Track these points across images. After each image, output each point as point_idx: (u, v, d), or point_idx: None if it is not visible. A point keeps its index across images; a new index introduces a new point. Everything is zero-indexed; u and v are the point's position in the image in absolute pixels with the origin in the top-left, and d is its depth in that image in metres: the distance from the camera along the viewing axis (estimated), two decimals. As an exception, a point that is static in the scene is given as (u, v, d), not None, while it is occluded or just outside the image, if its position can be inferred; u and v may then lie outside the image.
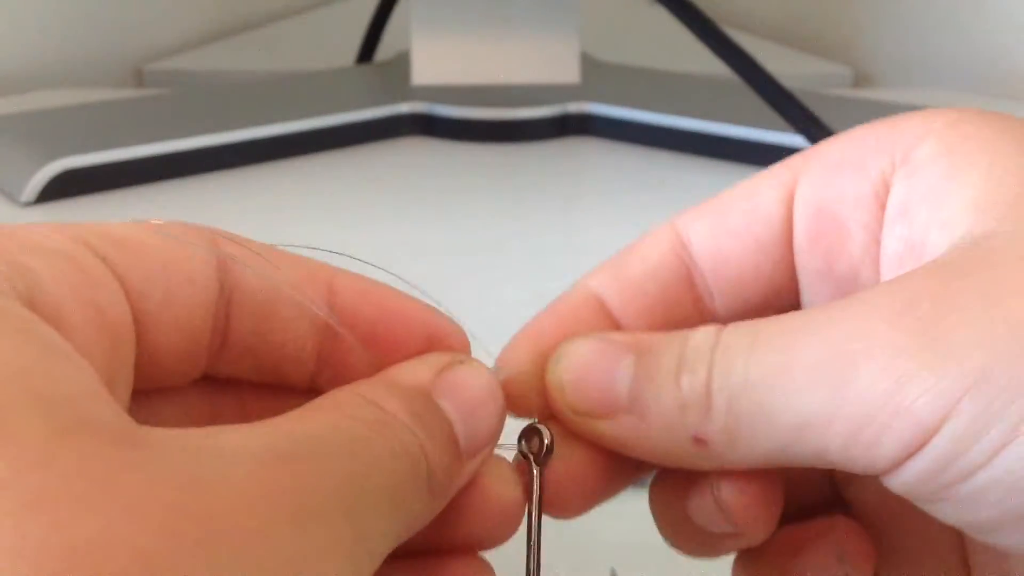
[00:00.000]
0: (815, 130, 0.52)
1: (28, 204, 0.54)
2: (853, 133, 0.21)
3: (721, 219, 0.21)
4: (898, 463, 0.17)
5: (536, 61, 0.67)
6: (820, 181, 0.21)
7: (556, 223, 0.53)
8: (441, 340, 0.20)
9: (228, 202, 0.55)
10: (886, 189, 0.20)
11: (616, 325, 0.22)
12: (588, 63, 0.70)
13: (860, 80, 0.89)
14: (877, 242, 0.20)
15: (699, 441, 0.19)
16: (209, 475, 0.14)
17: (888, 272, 0.20)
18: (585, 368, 0.20)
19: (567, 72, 0.67)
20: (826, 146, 0.21)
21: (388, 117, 0.65)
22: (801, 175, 0.21)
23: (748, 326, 0.19)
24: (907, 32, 0.88)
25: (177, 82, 0.82)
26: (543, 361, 0.20)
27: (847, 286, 0.21)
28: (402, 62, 0.69)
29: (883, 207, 0.20)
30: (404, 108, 0.65)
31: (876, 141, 0.20)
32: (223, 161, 0.59)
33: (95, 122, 0.61)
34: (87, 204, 0.54)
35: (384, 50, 0.74)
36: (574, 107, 0.65)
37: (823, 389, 0.17)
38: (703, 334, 0.19)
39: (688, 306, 0.22)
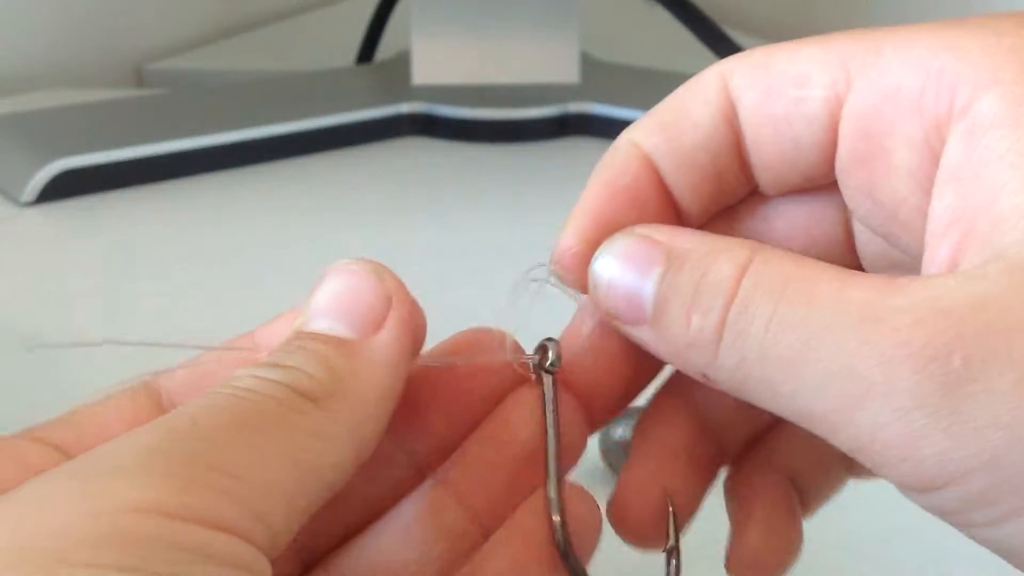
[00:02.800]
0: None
1: (28, 204, 0.54)
2: (915, 45, 0.19)
3: (767, 100, 0.20)
4: (898, 485, 0.17)
5: (536, 61, 0.67)
6: (872, 103, 0.19)
7: (556, 223, 0.53)
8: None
9: (228, 202, 0.55)
10: (940, 139, 0.18)
11: (668, 194, 0.21)
12: (588, 63, 0.70)
13: (860, 80, 0.89)
14: (923, 190, 0.19)
15: (705, 377, 0.19)
16: None
17: (933, 235, 0.18)
18: (618, 272, 0.20)
19: (567, 72, 0.67)
20: (885, 54, 0.19)
21: (388, 117, 0.65)
22: (854, 84, 0.19)
23: (777, 275, 0.18)
24: (907, 32, 0.88)
25: (177, 82, 0.82)
26: (597, 238, 0.20)
27: (886, 214, 0.20)
28: (402, 62, 0.69)
29: (935, 157, 0.18)
30: (404, 108, 0.65)
31: (938, 73, 0.18)
32: (223, 161, 0.59)
33: (95, 122, 0.61)
34: (87, 204, 0.54)
35: (384, 50, 0.74)
36: (574, 107, 0.65)
37: (834, 400, 0.17)
38: (725, 265, 0.18)
39: (738, 175, 0.21)
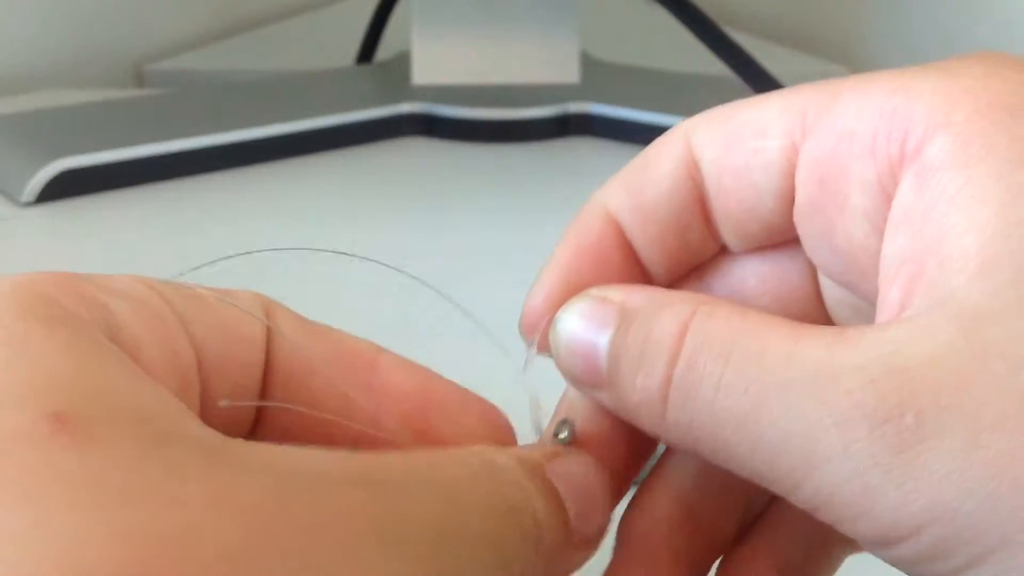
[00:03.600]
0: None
1: (28, 204, 0.54)
2: (872, 90, 0.19)
3: (727, 152, 0.20)
4: (859, 540, 0.17)
5: (536, 61, 0.67)
6: (827, 148, 0.19)
7: (556, 223, 0.53)
8: (486, 425, 0.21)
9: (228, 202, 0.55)
10: (893, 182, 0.18)
11: (633, 253, 0.21)
12: (588, 63, 0.70)
13: (860, 80, 0.89)
14: (878, 234, 0.19)
15: (659, 438, 0.19)
16: (297, 484, 0.14)
17: (884, 277, 0.18)
18: (574, 334, 0.20)
19: (567, 72, 0.67)
20: (843, 99, 0.19)
21: (388, 117, 0.65)
22: (809, 132, 0.19)
23: (722, 332, 0.17)
24: (906, 32, 0.88)
25: (177, 82, 0.82)
26: (561, 299, 0.20)
27: (844, 260, 0.20)
28: (402, 62, 0.69)
29: (888, 198, 0.18)
30: (404, 108, 0.65)
31: (891, 115, 0.18)
32: (223, 161, 0.59)
33: (95, 122, 0.61)
34: (87, 204, 0.54)
35: (384, 50, 0.74)
36: (574, 107, 0.65)
37: (791, 460, 0.17)
38: (668, 322, 0.18)
39: (703, 232, 0.21)
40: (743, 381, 0.17)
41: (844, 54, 0.92)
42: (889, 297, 0.18)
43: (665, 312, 0.18)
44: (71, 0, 0.80)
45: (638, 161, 0.22)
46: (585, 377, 0.19)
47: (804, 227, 0.20)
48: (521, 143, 0.64)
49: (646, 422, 0.19)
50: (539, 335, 0.21)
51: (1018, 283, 0.16)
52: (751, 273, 0.22)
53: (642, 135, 0.63)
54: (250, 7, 0.98)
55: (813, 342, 0.17)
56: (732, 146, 0.20)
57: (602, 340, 0.19)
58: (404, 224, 0.53)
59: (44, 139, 0.57)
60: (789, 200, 0.20)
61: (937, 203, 0.17)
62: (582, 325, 0.19)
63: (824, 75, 0.85)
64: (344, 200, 0.56)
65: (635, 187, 0.21)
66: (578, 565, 0.19)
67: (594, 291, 0.20)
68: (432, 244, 0.50)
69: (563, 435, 0.20)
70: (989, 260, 0.16)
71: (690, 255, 0.22)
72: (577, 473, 0.19)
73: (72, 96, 0.68)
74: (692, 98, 0.66)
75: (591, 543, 0.19)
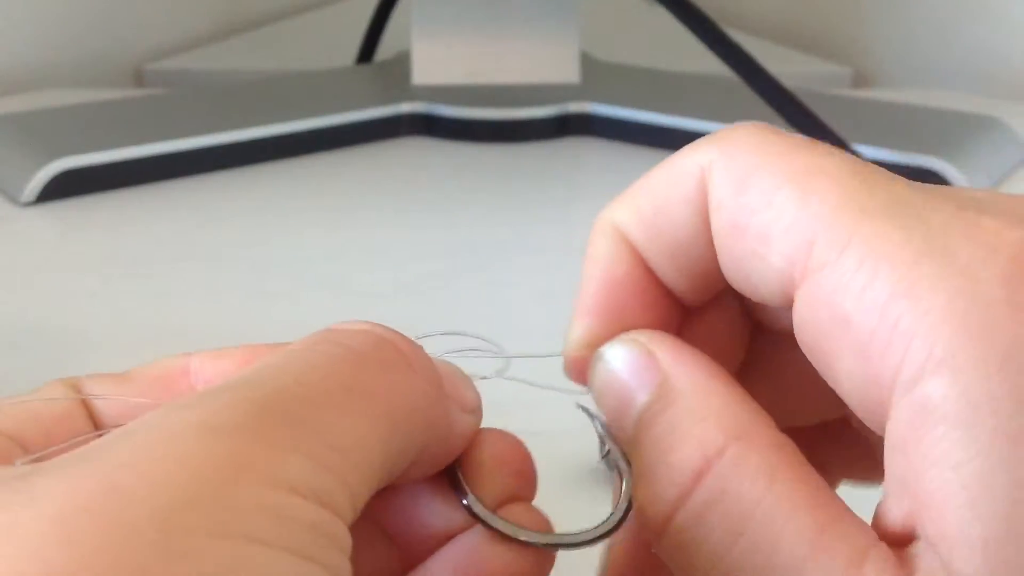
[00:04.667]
0: (814, 130, 0.52)
1: (28, 204, 0.54)
2: (881, 269, 0.16)
3: (732, 233, 0.19)
4: None
5: (536, 61, 0.67)
6: (819, 318, 0.18)
7: (556, 223, 0.53)
8: None
9: (228, 202, 0.55)
10: (880, 393, 0.17)
11: (661, 284, 0.21)
12: (588, 63, 0.70)
13: (860, 80, 0.89)
14: (865, 404, 0.17)
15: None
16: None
17: (890, 484, 0.17)
18: (614, 377, 0.20)
19: (567, 72, 0.67)
20: (849, 254, 0.17)
21: (388, 117, 0.65)
22: (809, 277, 0.18)
23: (741, 500, 0.17)
24: (907, 32, 0.88)
25: (177, 82, 0.82)
26: (599, 340, 0.20)
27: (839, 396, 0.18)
28: (402, 62, 0.69)
29: (875, 402, 0.17)
30: (404, 108, 0.65)
31: (893, 326, 0.16)
32: (223, 161, 0.59)
33: (95, 122, 0.61)
34: (87, 204, 0.54)
35: (384, 50, 0.74)
36: (574, 107, 0.65)
37: None
38: (690, 451, 0.18)
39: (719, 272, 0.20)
40: (749, 565, 0.17)
41: (844, 54, 0.92)
42: (894, 508, 0.17)
43: (696, 431, 0.18)
44: (71, 0, 0.80)
45: (652, 192, 0.20)
46: (613, 416, 0.20)
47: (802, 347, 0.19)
48: (521, 143, 0.64)
49: (649, 513, 0.18)
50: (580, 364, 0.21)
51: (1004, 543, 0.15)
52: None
53: (642, 135, 0.63)
54: (250, 7, 0.98)
55: (831, 557, 0.16)
56: (737, 232, 0.19)
57: (640, 397, 0.19)
58: (404, 224, 0.53)
59: (44, 139, 0.57)
60: (787, 305, 0.19)
61: (936, 462, 0.16)
62: (624, 371, 0.19)
63: (824, 75, 0.85)
64: (344, 200, 0.56)
65: (653, 228, 0.20)
66: (468, 428, 0.19)
67: (642, 338, 0.20)
68: (432, 244, 0.50)
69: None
70: (993, 564, 0.15)
71: (718, 284, 0.21)
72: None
73: (72, 96, 0.69)
74: (692, 98, 0.66)
75: (469, 408, 0.19)
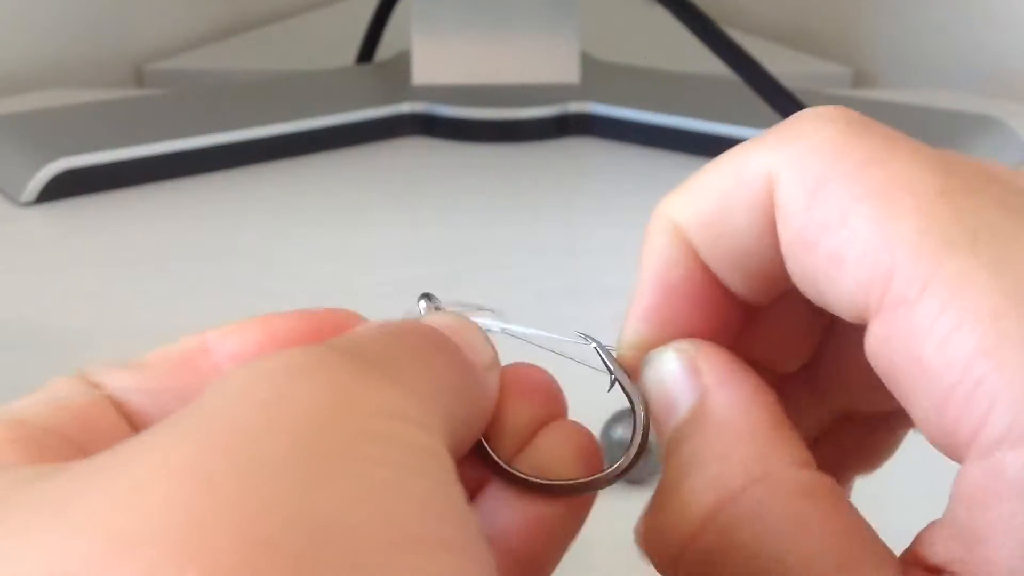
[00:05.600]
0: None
1: (28, 204, 0.54)
2: (966, 317, 0.16)
3: (803, 249, 0.18)
4: None
5: (536, 61, 0.67)
6: (891, 362, 0.17)
7: (556, 223, 0.53)
8: (334, 327, 0.20)
9: (228, 202, 0.55)
10: (952, 444, 0.16)
11: (720, 285, 0.20)
12: (588, 63, 0.70)
13: (860, 80, 0.89)
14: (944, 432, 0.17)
15: None
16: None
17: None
18: (661, 384, 0.19)
19: (567, 72, 0.67)
20: (924, 301, 0.16)
21: (388, 117, 0.65)
22: (883, 311, 0.17)
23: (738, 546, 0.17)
24: (907, 32, 0.88)
25: (177, 82, 0.82)
26: (653, 341, 0.20)
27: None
28: (402, 62, 0.69)
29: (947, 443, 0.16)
30: (404, 108, 0.65)
31: (972, 392, 0.16)
32: (223, 161, 0.59)
33: (95, 122, 0.61)
34: (87, 204, 0.54)
35: (384, 50, 0.74)
36: (574, 107, 0.65)
37: None
38: (694, 503, 0.17)
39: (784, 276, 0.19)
40: None
41: (844, 54, 0.92)
42: (940, 549, 0.17)
43: (714, 468, 0.18)
44: (71, 0, 0.80)
45: (717, 192, 0.19)
46: (658, 417, 0.20)
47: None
48: (521, 143, 0.64)
49: (655, 545, 0.18)
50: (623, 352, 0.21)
51: None
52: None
53: (642, 135, 0.63)
54: (250, 7, 0.98)
55: None
56: (807, 246, 0.17)
57: (679, 411, 0.19)
58: (404, 223, 0.53)
59: (44, 139, 0.57)
60: (860, 323, 0.18)
61: (1006, 536, 0.15)
62: (668, 381, 0.19)
63: (824, 75, 0.85)
64: (344, 200, 0.56)
65: (713, 232, 0.19)
66: (494, 387, 0.19)
67: (691, 350, 0.19)
68: (432, 244, 0.50)
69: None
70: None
71: (780, 286, 0.20)
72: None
73: (72, 96, 0.69)
74: (692, 98, 0.66)
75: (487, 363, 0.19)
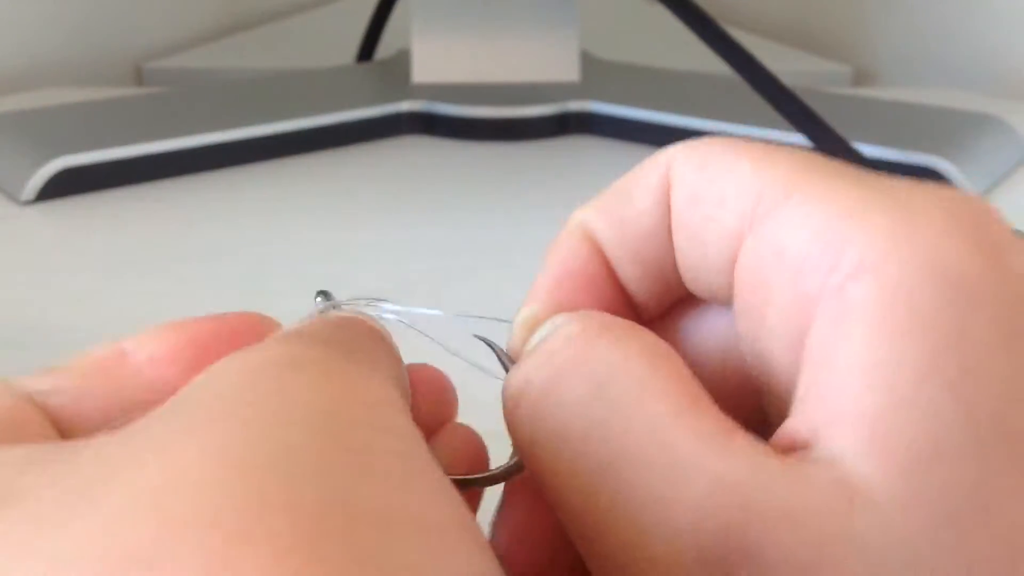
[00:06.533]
0: (815, 129, 0.52)
1: (28, 203, 0.54)
2: (817, 205, 0.17)
3: (689, 205, 0.20)
4: None
5: (536, 60, 0.67)
6: (760, 257, 0.18)
7: (556, 222, 0.53)
8: (255, 334, 0.22)
9: (228, 201, 0.55)
10: (807, 313, 0.17)
11: (618, 281, 0.21)
12: (588, 61, 0.70)
13: (860, 79, 0.89)
14: (791, 352, 0.17)
15: None
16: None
17: (799, 400, 0.17)
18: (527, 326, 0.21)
19: (567, 70, 0.67)
20: (790, 202, 0.18)
21: (388, 115, 0.65)
22: (755, 225, 0.18)
23: (600, 361, 0.18)
24: (907, 31, 0.88)
25: (177, 80, 0.82)
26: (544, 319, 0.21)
27: (762, 363, 0.19)
28: (402, 60, 0.69)
29: (800, 328, 0.17)
30: (404, 106, 0.65)
31: (823, 248, 0.16)
32: (223, 160, 0.59)
33: (95, 120, 0.61)
34: (87, 203, 0.54)
35: (384, 48, 0.74)
36: (574, 106, 0.65)
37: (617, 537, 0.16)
38: (549, 337, 0.19)
39: (676, 269, 0.21)
40: (607, 430, 0.16)
41: (845, 53, 0.92)
42: (794, 423, 0.16)
43: (573, 326, 0.19)
44: (71, 0, 0.80)
45: (619, 186, 0.21)
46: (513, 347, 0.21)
47: (738, 321, 0.19)
48: (521, 141, 0.64)
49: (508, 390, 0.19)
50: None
51: (908, 475, 0.15)
52: (709, 322, 0.21)
53: (642, 133, 0.63)
54: (250, 6, 0.98)
55: (700, 422, 0.16)
56: (694, 202, 0.19)
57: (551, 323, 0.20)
58: (404, 222, 0.53)
59: (44, 137, 0.57)
60: (731, 280, 0.19)
61: (851, 365, 0.16)
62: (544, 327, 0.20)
63: (824, 74, 0.85)
64: (344, 199, 0.56)
65: (615, 217, 0.21)
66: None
67: (575, 315, 0.20)
68: (432, 243, 0.50)
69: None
70: (880, 440, 0.15)
71: (671, 290, 0.21)
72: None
73: (72, 95, 0.68)
74: (692, 97, 0.66)
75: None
